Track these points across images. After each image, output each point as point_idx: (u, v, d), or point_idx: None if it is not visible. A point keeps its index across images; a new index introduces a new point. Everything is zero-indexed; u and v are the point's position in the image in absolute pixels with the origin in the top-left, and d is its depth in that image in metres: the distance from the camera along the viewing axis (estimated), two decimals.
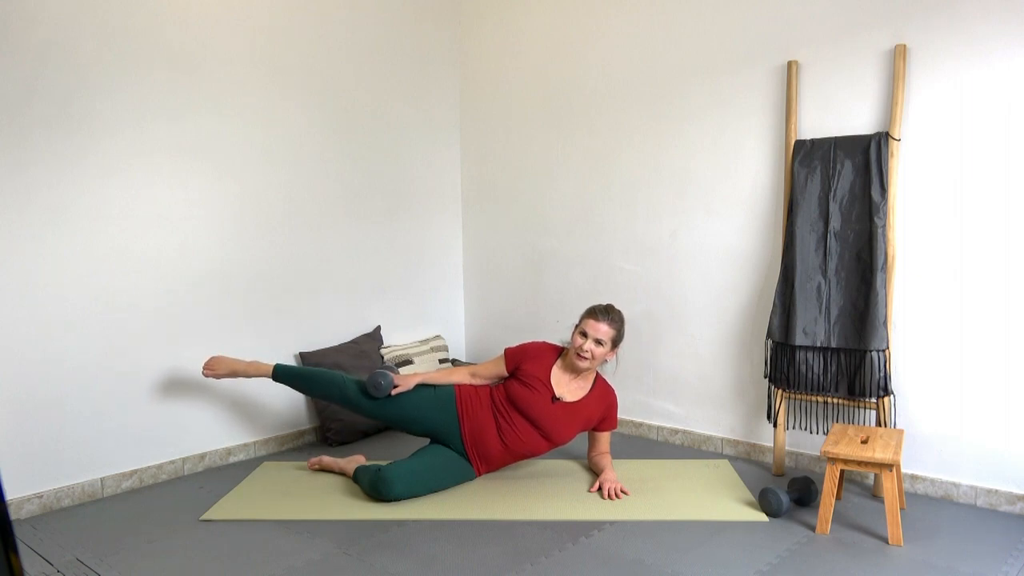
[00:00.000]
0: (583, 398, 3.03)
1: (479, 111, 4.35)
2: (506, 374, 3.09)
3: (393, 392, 2.98)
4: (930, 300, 2.91)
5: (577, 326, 3.01)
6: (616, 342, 2.99)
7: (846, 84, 3.06)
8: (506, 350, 3.11)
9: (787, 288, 3.12)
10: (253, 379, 3.45)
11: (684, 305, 3.61)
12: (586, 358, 2.94)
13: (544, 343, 3.12)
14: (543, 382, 2.99)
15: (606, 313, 2.97)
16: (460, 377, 3.10)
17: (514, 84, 4.18)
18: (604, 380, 3.12)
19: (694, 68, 3.50)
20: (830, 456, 2.53)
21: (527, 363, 3.04)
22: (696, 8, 3.47)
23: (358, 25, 3.86)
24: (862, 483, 3.09)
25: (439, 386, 3.07)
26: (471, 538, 2.54)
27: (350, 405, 3.04)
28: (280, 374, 3.09)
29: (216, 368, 3.05)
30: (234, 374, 3.07)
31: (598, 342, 2.93)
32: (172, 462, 3.20)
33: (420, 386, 3.06)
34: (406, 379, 3.02)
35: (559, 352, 3.08)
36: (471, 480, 3.05)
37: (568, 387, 3.02)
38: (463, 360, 4.47)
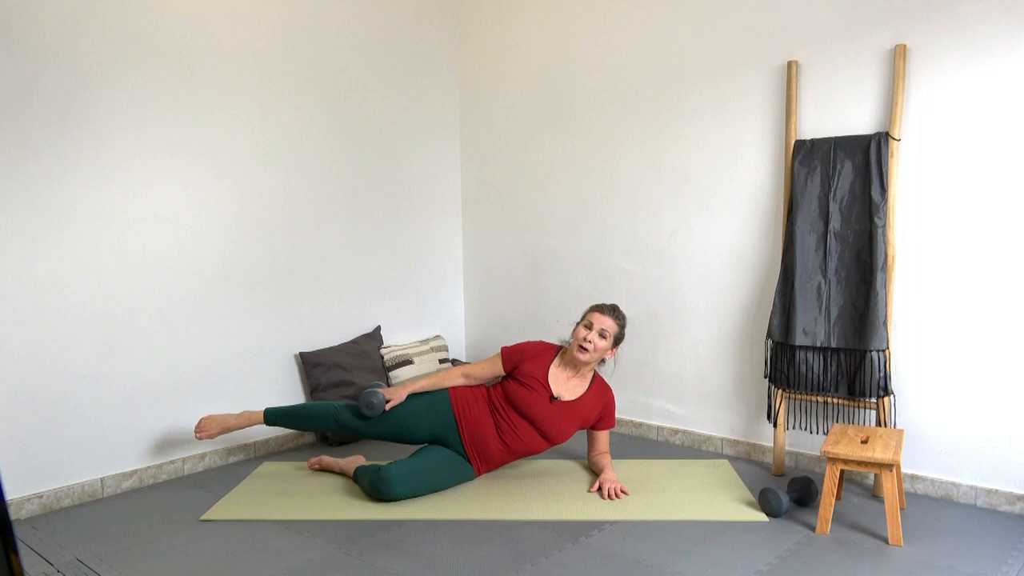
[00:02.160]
0: (581, 396, 3.03)
1: (479, 111, 4.35)
2: (503, 373, 3.09)
3: (387, 407, 2.96)
4: (930, 300, 2.91)
5: (580, 320, 3.02)
6: (617, 340, 3.02)
7: (846, 84, 3.06)
8: (503, 349, 3.11)
9: (787, 288, 3.12)
10: (251, 376, 3.45)
11: (684, 305, 3.61)
12: (587, 349, 2.94)
13: (541, 342, 3.12)
14: (541, 382, 2.99)
15: (612, 310, 3.02)
16: (453, 379, 3.08)
17: (514, 84, 4.18)
18: (601, 379, 3.13)
19: (694, 68, 3.50)
20: (830, 456, 2.53)
21: (525, 363, 3.04)
22: (696, 8, 3.47)
23: (358, 25, 3.86)
24: (862, 483, 3.09)
25: (433, 392, 3.06)
26: (471, 538, 2.54)
27: (347, 430, 3.03)
28: (271, 416, 3.08)
29: (208, 429, 3.02)
30: (226, 429, 3.05)
31: (602, 334, 2.95)
32: (172, 462, 3.20)
33: (413, 395, 3.04)
34: (397, 391, 3.00)
35: (557, 351, 3.09)
36: (471, 480, 3.05)
37: (566, 386, 3.02)
38: (463, 360, 4.47)
